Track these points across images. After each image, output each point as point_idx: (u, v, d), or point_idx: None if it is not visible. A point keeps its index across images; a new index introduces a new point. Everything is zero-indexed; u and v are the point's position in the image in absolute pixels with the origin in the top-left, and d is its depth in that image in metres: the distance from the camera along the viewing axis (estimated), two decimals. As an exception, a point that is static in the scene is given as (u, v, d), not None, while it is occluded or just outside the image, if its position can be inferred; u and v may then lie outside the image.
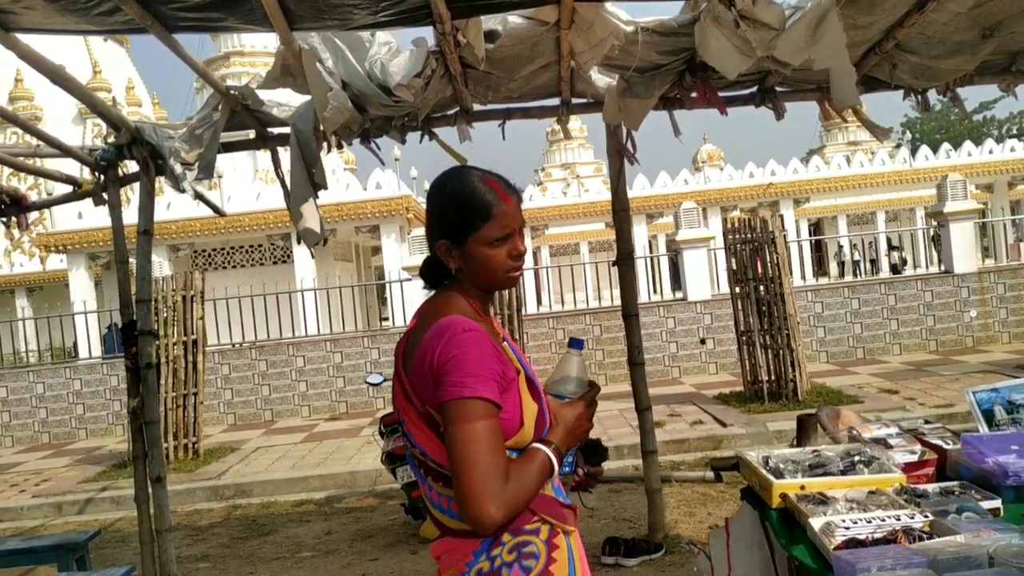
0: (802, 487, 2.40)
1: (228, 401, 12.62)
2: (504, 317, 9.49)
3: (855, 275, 26.72)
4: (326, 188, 4.62)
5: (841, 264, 28.78)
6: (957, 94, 5.08)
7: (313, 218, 4.68)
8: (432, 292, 1.85)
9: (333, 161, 20.47)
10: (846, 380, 10.63)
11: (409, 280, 12.93)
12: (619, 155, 5.03)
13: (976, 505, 2.19)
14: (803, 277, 21.43)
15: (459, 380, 1.59)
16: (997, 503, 2.25)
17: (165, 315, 9.66)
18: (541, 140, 41.54)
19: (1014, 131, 46.37)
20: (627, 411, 9.58)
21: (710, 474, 6.96)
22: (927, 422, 2.89)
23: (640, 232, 25.60)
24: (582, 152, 39.75)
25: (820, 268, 28.38)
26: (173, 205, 16.74)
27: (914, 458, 2.53)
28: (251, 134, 5.01)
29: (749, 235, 9.73)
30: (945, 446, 2.64)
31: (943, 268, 13.19)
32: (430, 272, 1.84)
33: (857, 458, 2.49)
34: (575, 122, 40.36)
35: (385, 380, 7.03)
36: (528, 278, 18.60)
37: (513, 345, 1.83)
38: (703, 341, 12.53)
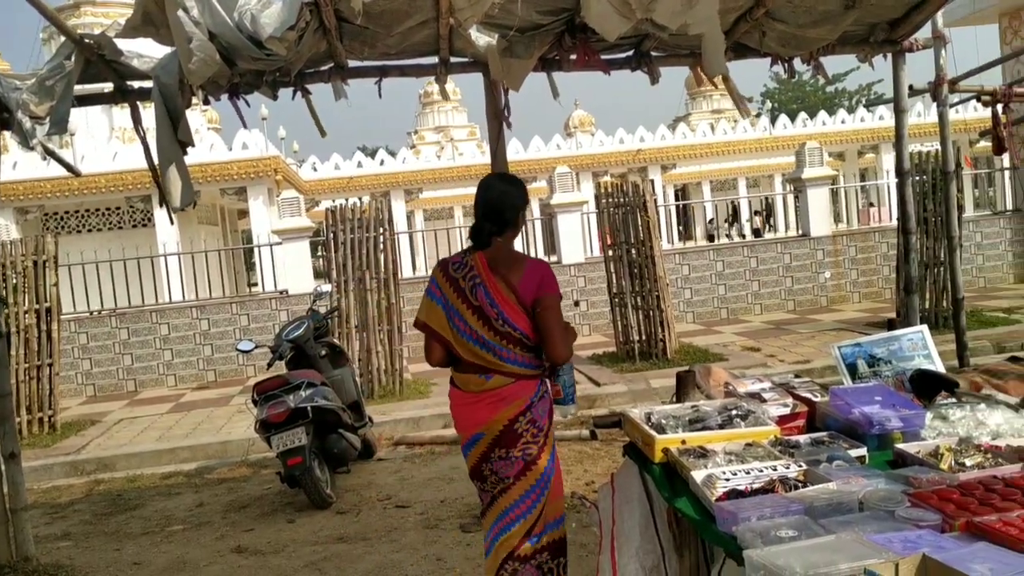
0: (683, 441, 2.46)
1: (87, 372, 11.96)
2: (380, 281, 9.36)
3: (710, 239, 27.76)
4: (192, 145, 4.39)
5: (716, 230, 29.77)
6: (820, 62, 5.28)
7: (182, 177, 4.45)
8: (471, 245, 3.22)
9: (196, 119, 19.49)
10: (712, 339, 11.06)
11: (279, 244, 12.53)
12: (498, 118, 4.99)
13: (845, 454, 2.30)
14: (671, 241, 22.10)
15: (553, 285, 3.10)
16: (863, 451, 2.37)
17: (15, 282, 9.02)
18: (415, 102, 40.96)
19: (863, 102, 48.96)
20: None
21: (586, 432, 7.12)
22: (797, 376, 3.03)
23: (514, 196, 25.74)
24: (456, 115, 39.43)
25: (686, 232, 29.33)
26: (20, 164, 15.62)
27: (787, 411, 2.64)
28: (108, 87, 4.69)
29: (621, 199, 9.92)
30: (814, 399, 2.77)
31: (800, 232, 13.86)
32: (484, 233, 3.14)
33: (734, 412, 2.57)
34: (449, 84, 40.00)
35: (257, 347, 6.82)
36: (402, 243, 18.38)
37: None
38: (577, 303, 12.75)
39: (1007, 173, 13.81)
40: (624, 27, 3.68)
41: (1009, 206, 13.94)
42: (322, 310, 7.74)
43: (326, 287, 7.53)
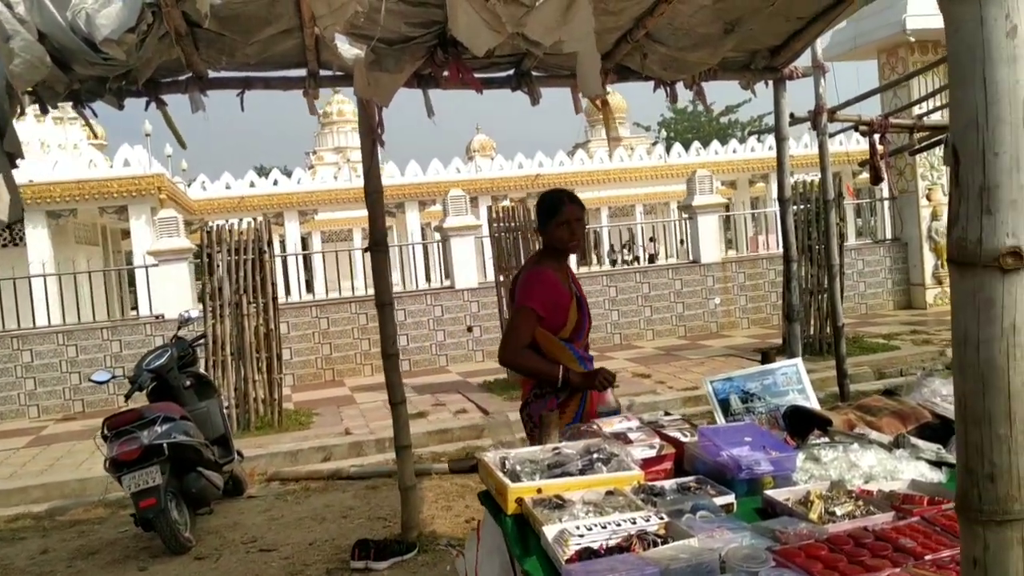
0: (539, 490, 2.23)
1: (-64, 403, 11.02)
2: (259, 306, 8.90)
3: (613, 264, 28.04)
4: (21, 157, 3.95)
5: (617, 255, 30.01)
6: (701, 88, 5.22)
7: (10, 191, 4.00)
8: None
9: (75, 134, 18.51)
10: (604, 365, 10.93)
11: (156, 265, 11.87)
12: (371, 135, 4.72)
13: (710, 502, 2.11)
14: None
15: (522, 295, 3.34)
16: (731, 498, 2.19)
17: None
18: (315, 122, 40.17)
19: (751, 131, 50.61)
20: (391, 402, 9.33)
21: (471, 464, 6.85)
22: (667, 413, 2.84)
23: (413, 219, 25.43)
24: (355, 136, 38.78)
25: (583, 258, 29.51)
26: None
27: (652, 453, 2.45)
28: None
29: (512, 223, 9.76)
30: (683, 438, 2.58)
31: (691, 258, 14.00)
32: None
33: (596, 455, 2.36)
34: (347, 105, 39.40)
35: (114, 377, 6.33)
36: (293, 265, 17.81)
37: (575, 284, 3.54)
38: (470, 329, 12.51)
39: (887, 203, 14.31)
40: (494, 42, 3.47)
41: (888, 235, 14.42)
42: (192, 337, 7.29)
43: (194, 312, 7.07)
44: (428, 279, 19.51)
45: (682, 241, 15.80)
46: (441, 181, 24.90)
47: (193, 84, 4.45)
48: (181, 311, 7.14)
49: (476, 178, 25.21)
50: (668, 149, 30.09)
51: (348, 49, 4.33)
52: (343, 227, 30.04)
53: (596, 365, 3.48)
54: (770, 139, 29.17)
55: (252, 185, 24.98)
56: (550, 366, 3.31)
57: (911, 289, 14.26)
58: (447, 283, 13.38)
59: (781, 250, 16.77)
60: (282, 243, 24.47)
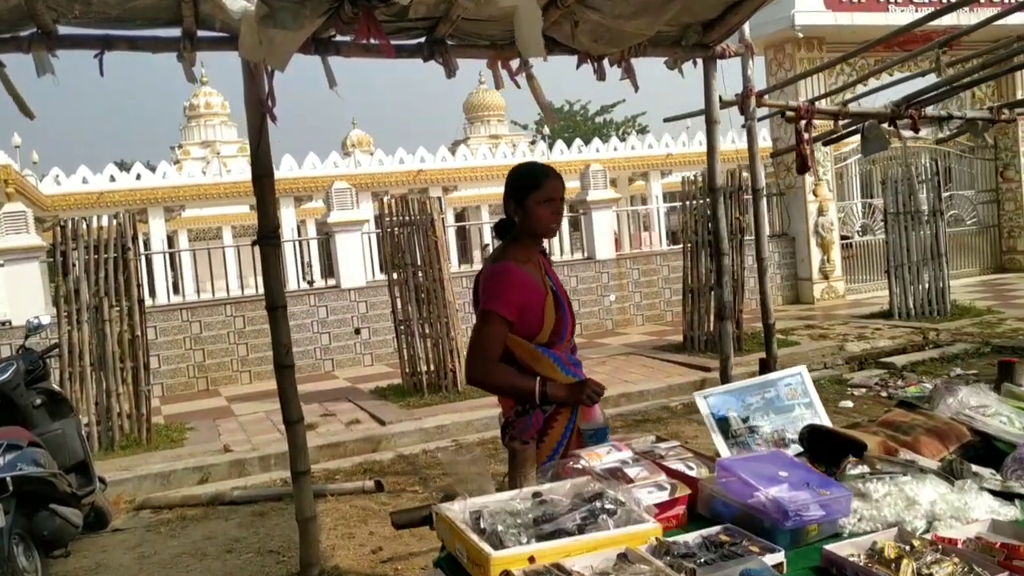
0: (531, 558, 1.65)
1: None
2: (122, 310, 7.91)
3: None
4: None
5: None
6: (631, 64, 4.75)
7: None
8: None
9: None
10: (502, 367, 10.45)
11: (2, 265, 10.56)
12: (260, 108, 4.00)
13: (763, 567, 1.59)
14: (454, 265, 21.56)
15: (488, 293, 2.77)
16: (780, 556, 1.67)
17: None
18: (180, 115, 38.03)
19: (631, 132, 51.38)
20: (274, 413, 8.51)
21: (370, 483, 6.19)
22: (660, 439, 2.32)
23: (288, 215, 24.26)
24: (225, 129, 37.02)
25: (465, 256, 29.01)
26: None
27: (664, 496, 1.90)
28: None
29: (407, 218, 9.10)
30: (688, 470, 2.06)
31: (586, 255, 13.67)
32: (502, 228, 2.92)
33: (597, 505, 1.80)
34: (215, 97, 37.52)
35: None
36: (159, 264, 16.50)
37: (552, 276, 2.91)
38: (358, 331, 11.74)
39: (775, 199, 14.39)
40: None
41: (777, 230, 14.50)
42: (43, 347, 6.33)
43: (45, 318, 6.08)
44: (305, 279, 18.53)
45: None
46: (318, 176, 23.86)
47: (38, 41, 3.62)
48: (29, 317, 6.15)
49: (355, 173, 24.25)
50: (551, 147, 29.92)
51: (235, 2, 3.62)
52: (212, 224, 28.49)
53: None
54: (649, 137, 29.51)
55: (112, 179, 23.19)
56: (525, 380, 2.72)
57: (799, 284, 14.40)
58: (331, 282, 12.56)
59: (662, 247, 16.67)
60: (146, 242, 22.83)
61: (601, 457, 2.08)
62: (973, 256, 16.09)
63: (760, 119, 6.38)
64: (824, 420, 2.40)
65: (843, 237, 14.86)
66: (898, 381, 8.38)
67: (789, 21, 12.96)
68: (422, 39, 4.28)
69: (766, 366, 2.57)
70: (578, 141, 29.62)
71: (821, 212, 14.10)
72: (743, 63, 5.52)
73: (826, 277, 14.22)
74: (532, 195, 2.80)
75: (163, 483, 6.90)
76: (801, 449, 2.22)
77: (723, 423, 2.32)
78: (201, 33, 3.89)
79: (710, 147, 5.14)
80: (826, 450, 2.15)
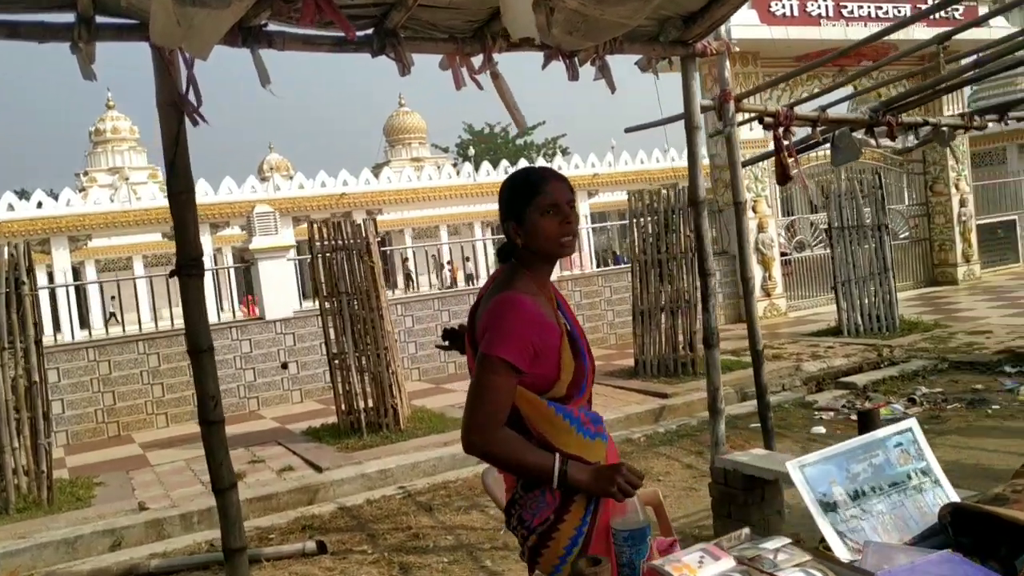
0: None
1: None
2: (17, 352, 6.97)
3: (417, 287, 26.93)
4: None
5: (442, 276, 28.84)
6: (606, 63, 4.20)
7: None
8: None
9: None
10: (445, 400, 9.77)
11: None
12: (177, 106, 3.29)
13: None
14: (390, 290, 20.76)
15: (491, 340, 2.05)
16: None
17: None
18: (85, 141, 36.23)
19: (550, 154, 51.36)
20: (195, 461, 7.65)
21: (311, 544, 5.43)
22: (755, 534, 1.70)
23: (205, 243, 23.09)
24: (134, 155, 35.46)
25: (388, 281, 28.17)
26: None
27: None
28: None
29: (339, 242, 8.37)
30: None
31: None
32: (505, 251, 2.27)
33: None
34: (123, 122, 35.92)
35: None
36: (63, 298, 15.27)
37: (566, 310, 2.28)
38: (285, 365, 10.88)
39: (715, 216, 14.10)
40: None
41: (718, 248, 14.22)
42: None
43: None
44: (224, 309, 17.45)
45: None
46: (235, 201, 22.85)
47: None
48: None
49: (275, 197, 23.27)
50: (477, 168, 29.43)
51: (144, -23, 2.92)
52: (122, 254, 27.04)
53: (436, 399, 2.24)
54: (576, 157, 29.25)
55: (11, 208, 21.71)
56: (539, 456, 2.07)
57: (741, 302, 14.10)
58: (255, 314, 11.69)
59: (592, 269, 16.23)
60: (49, 274, 21.40)
61: (695, 572, 1.46)
62: (908, 270, 16.12)
63: (746, 121, 5.92)
64: (948, 489, 1.84)
65: (782, 254, 14.68)
66: (865, 403, 8.01)
67: (725, 35, 12.69)
68: (370, 30, 3.65)
69: (868, 420, 1.99)
70: (504, 162, 29.21)
71: (761, 229, 13.88)
72: (720, 65, 5.07)
73: (768, 295, 13.99)
74: (532, 204, 2.17)
75: (68, 551, 5.99)
76: (936, 531, 1.65)
77: (827, 502, 1.73)
78: (101, 19, 3.18)
79: (691, 155, 4.63)
80: (980, 535, 1.58)
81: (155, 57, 3.22)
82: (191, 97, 3.29)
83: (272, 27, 3.43)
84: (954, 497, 1.84)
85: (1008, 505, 1.68)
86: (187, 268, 3.43)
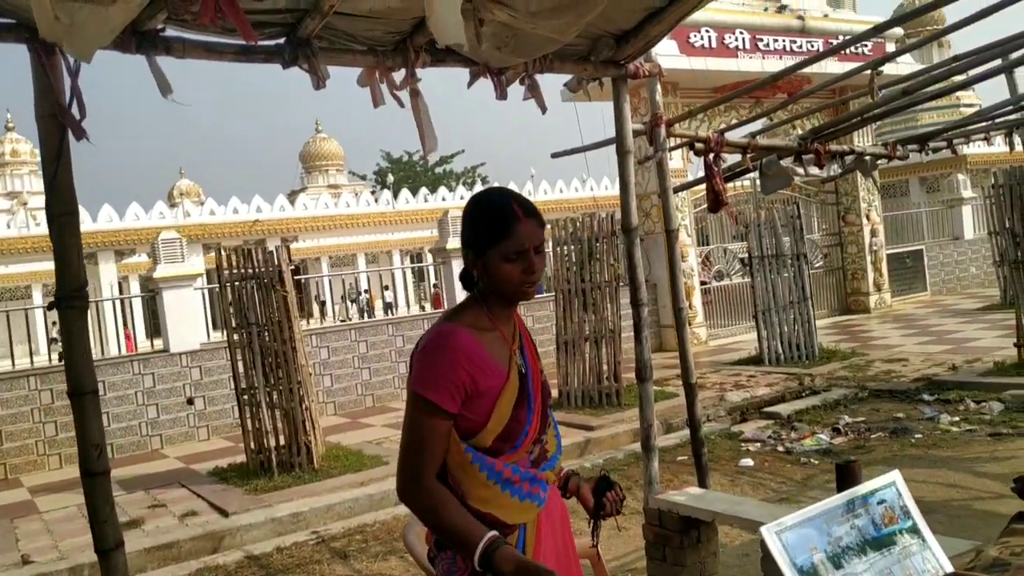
0: None
1: None
2: None
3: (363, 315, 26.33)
4: None
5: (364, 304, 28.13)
6: (535, 82, 3.99)
7: None
8: None
9: None
10: (361, 435, 9.35)
11: None
12: (57, 117, 2.91)
13: None
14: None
15: (420, 375, 1.88)
16: None
17: None
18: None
19: (469, 183, 51.38)
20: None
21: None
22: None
23: (109, 270, 22.14)
24: (34, 180, 33.87)
25: (302, 311, 27.47)
26: None
27: None
28: None
29: (250, 270, 7.93)
30: None
31: (446, 306, 12.80)
32: (466, 278, 2.03)
33: None
34: (23, 144, 34.35)
35: None
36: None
37: (528, 350, 2.04)
38: (191, 401, 10.28)
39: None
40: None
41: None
42: None
43: None
44: (118, 342, 16.60)
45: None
46: (143, 227, 21.95)
47: None
48: None
49: (185, 223, 22.46)
50: (396, 196, 29.07)
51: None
52: (19, 283, 25.64)
53: (353, 435, 1.95)
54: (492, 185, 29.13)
55: None
56: (471, 527, 1.83)
57: (662, 331, 14.10)
58: (159, 345, 11.06)
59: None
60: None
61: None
62: (822, 299, 16.39)
63: (678, 147, 5.78)
64: (937, 551, 1.63)
65: (702, 282, 14.74)
66: (791, 433, 7.95)
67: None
68: (282, 39, 3.35)
69: (848, 474, 1.77)
70: (424, 190, 28.94)
71: (681, 258, 13.88)
72: (651, 89, 4.92)
73: (688, 323, 13.97)
74: (497, 247, 1.93)
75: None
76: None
77: (807, 571, 1.50)
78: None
79: (623, 181, 4.43)
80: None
81: (34, 63, 2.86)
82: (75, 109, 2.93)
83: (170, 32, 3.10)
84: (944, 560, 1.62)
85: (1011, 571, 1.47)
86: (68, 299, 3.03)
